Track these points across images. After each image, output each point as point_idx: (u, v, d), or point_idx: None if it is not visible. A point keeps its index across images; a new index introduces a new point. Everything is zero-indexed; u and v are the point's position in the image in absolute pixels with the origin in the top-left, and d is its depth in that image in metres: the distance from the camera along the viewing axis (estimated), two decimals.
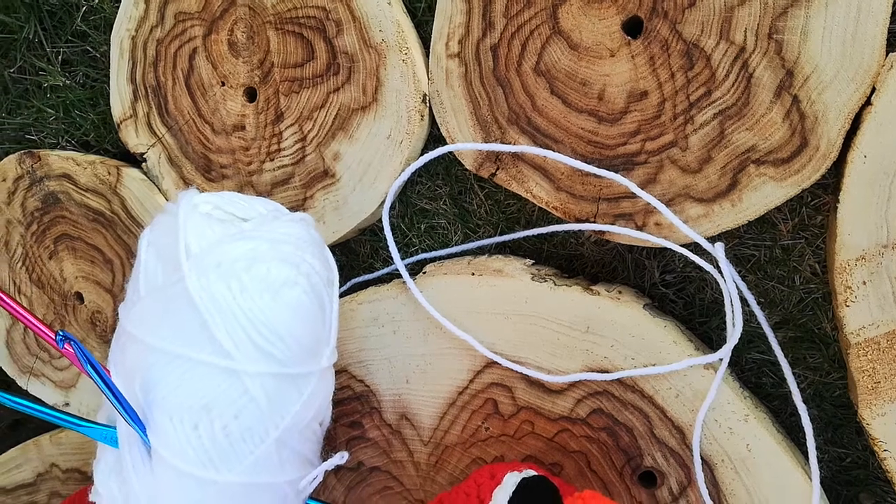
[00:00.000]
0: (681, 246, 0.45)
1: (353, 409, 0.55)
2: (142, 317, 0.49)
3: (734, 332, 0.44)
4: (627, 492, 0.48)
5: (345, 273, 0.58)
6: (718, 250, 0.44)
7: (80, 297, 0.65)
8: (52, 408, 0.52)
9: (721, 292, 0.48)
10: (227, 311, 0.46)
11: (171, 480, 0.48)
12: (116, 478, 0.51)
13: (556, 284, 0.48)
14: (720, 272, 0.45)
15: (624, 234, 0.47)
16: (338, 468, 0.56)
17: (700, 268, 0.49)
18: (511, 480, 0.42)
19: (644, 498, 0.48)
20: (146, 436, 0.48)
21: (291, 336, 0.47)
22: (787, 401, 0.49)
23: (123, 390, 0.48)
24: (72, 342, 0.44)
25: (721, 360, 0.45)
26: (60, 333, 0.44)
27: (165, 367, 0.48)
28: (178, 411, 0.47)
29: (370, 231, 0.58)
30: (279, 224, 0.50)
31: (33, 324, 0.48)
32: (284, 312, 0.47)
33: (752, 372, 0.49)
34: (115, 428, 0.51)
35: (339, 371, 0.55)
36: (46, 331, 0.48)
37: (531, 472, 0.43)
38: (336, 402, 0.55)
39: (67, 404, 0.69)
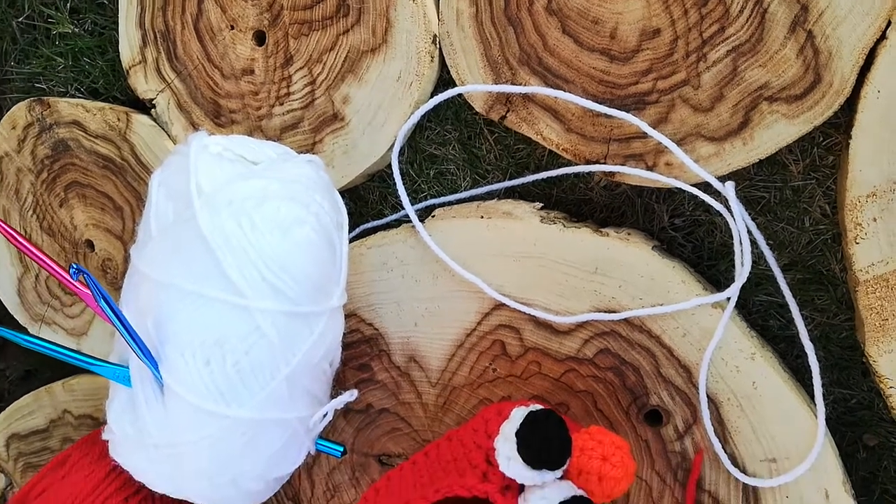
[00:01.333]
0: (692, 186, 0.45)
1: (362, 353, 0.56)
2: (154, 256, 0.50)
3: (743, 272, 0.45)
4: (633, 430, 0.49)
5: (354, 220, 0.59)
6: (729, 189, 0.44)
7: (90, 244, 0.66)
8: (65, 347, 0.53)
9: (730, 235, 0.48)
10: (238, 249, 0.47)
11: (184, 415, 0.48)
12: (129, 416, 0.52)
13: (564, 227, 0.49)
14: (730, 212, 0.45)
15: (634, 174, 0.47)
16: (347, 410, 0.57)
17: (709, 211, 0.50)
18: (518, 414, 0.43)
19: (650, 436, 0.48)
20: (159, 372, 0.48)
21: (302, 274, 0.48)
22: (793, 343, 0.49)
23: (136, 328, 0.48)
24: (85, 275, 0.44)
25: (729, 298, 0.45)
26: (74, 267, 0.44)
27: (177, 304, 0.48)
28: (190, 347, 0.47)
29: (379, 177, 0.58)
30: (289, 165, 0.50)
31: (45, 262, 0.49)
32: (294, 251, 0.48)
33: (759, 314, 0.49)
34: (127, 367, 0.52)
35: (349, 315, 0.55)
36: (58, 268, 0.49)
37: (538, 407, 0.44)
38: (345, 346, 0.56)
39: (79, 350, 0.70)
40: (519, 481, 0.43)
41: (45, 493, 0.56)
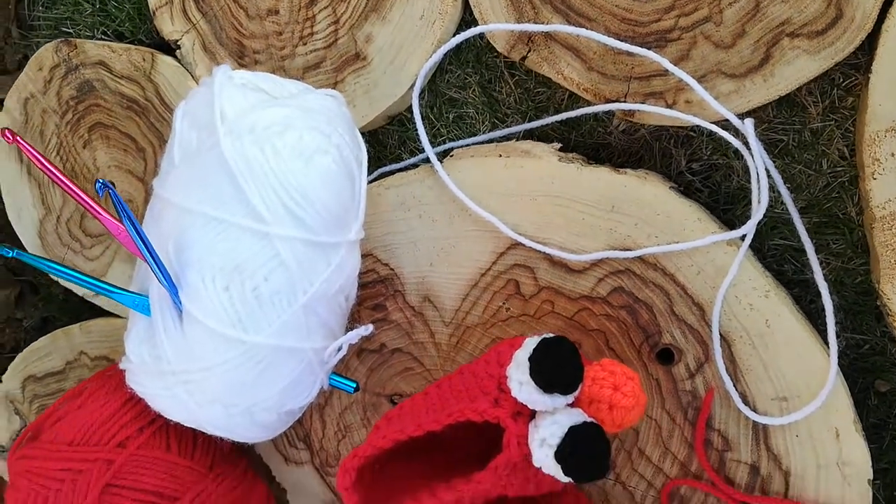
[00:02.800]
0: (711, 124, 0.46)
1: (377, 293, 0.56)
2: (176, 183, 0.50)
3: (759, 209, 0.45)
4: (645, 369, 0.49)
5: (372, 164, 0.59)
6: (748, 126, 0.45)
7: (112, 186, 0.66)
8: (88, 275, 0.54)
9: (747, 179, 0.49)
10: (259, 175, 0.47)
11: (202, 341, 0.49)
12: (147, 344, 0.53)
13: (582, 166, 0.49)
14: (748, 150, 0.45)
15: (653, 112, 0.47)
16: (360, 350, 0.58)
17: (727, 155, 0.50)
18: (531, 342, 0.43)
19: (661, 375, 0.49)
20: (178, 297, 0.49)
21: (321, 203, 0.48)
22: (807, 288, 0.49)
23: (157, 254, 0.49)
24: (110, 190, 0.45)
25: (744, 236, 0.45)
26: (100, 182, 0.45)
27: (199, 230, 0.49)
28: (210, 272, 0.48)
29: (398, 121, 0.58)
30: (312, 96, 0.50)
31: (66, 183, 0.50)
32: (315, 179, 0.48)
33: (774, 258, 0.50)
34: (147, 296, 0.53)
35: (365, 255, 0.56)
36: (82, 194, 0.50)
37: (551, 334, 0.44)
38: (361, 286, 0.56)
39: (97, 294, 0.71)
40: (530, 407, 0.43)
41: (60, 422, 0.57)
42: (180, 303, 0.49)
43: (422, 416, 0.45)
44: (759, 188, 0.45)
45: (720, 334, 0.46)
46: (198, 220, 0.49)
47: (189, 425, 0.54)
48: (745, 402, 0.46)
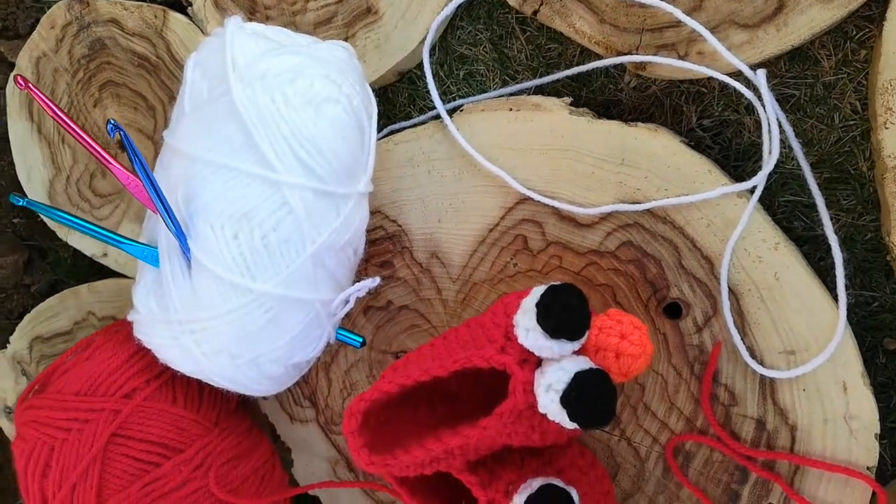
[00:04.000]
0: (724, 75, 0.45)
1: (384, 250, 0.56)
2: (186, 132, 0.51)
3: (770, 160, 0.45)
4: (652, 323, 0.49)
5: (382, 122, 0.59)
6: (760, 76, 0.44)
7: (122, 145, 0.67)
8: (97, 225, 0.54)
9: (758, 135, 0.48)
10: (270, 123, 0.47)
11: (210, 289, 0.49)
12: (155, 295, 0.53)
13: (593, 119, 0.49)
14: (761, 102, 0.45)
15: (665, 63, 0.47)
16: (367, 307, 0.58)
17: (738, 111, 0.50)
18: (539, 289, 0.43)
19: (668, 330, 0.49)
20: (187, 245, 0.49)
21: (332, 152, 0.49)
22: (817, 244, 0.49)
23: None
24: (121, 132, 0.45)
25: (755, 188, 0.45)
26: (111, 122, 0.45)
27: (209, 177, 0.49)
28: (219, 219, 0.48)
29: (408, 80, 0.58)
30: (323, 46, 0.50)
31: (77, 132, 0.50)
32: (326, 128, 0.48)
33: (784, 215, 0.49)
34: (156, 248, 0.53)
35: (373, 212, 0.56)
36: (93, 142, 0.50)
37: (559, 282, 0.44)
38: (369, 243, 0.56)
39: (105, 254, 0.71)
40: (537, 354, 0.43)
41: (67, 373, 0.57)
42: (189, 251, 0.50)
43: (428, 364, 0.45)
44: (770, 139, 0.44)
45: (728, 287, 0.46)
46: (207, 168, 0.49)
47: (196, 377, 0.54)
48: (753, 356, 0.46)
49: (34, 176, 0.72)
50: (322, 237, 0.50)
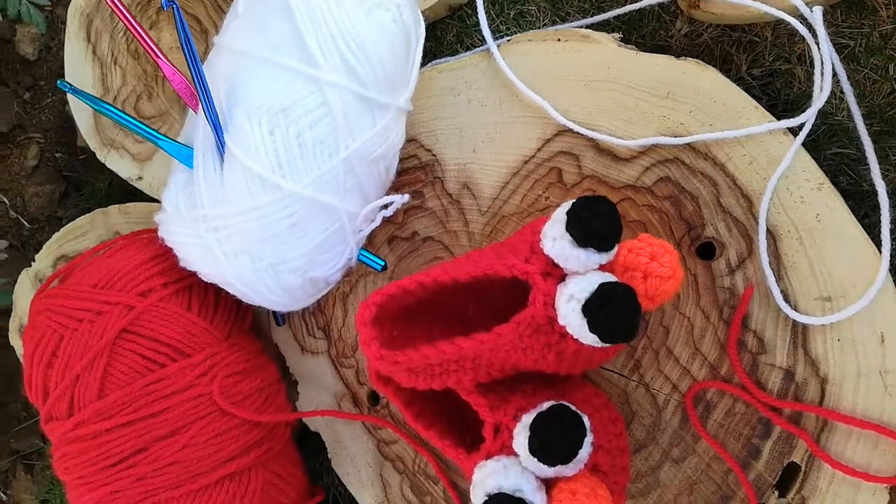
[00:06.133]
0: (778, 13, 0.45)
1: (416, 179, 0.56)
2: (236, 30, 0.51)
3: (821, 96, 0.43)
4: (683, 263, 0.47)
5: (427, 58, 0.59)
6: (816, 14, 0.44)
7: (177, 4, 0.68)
8: (136, 118, 0.55)
9: (809, 85, 0.48)
10: (319, 20, 0.48)
11: (240, 183, 0.49)
12: (184, 193, 0.53)
13: (641, 52, 0.48)
14: (815, 41, 0.44)
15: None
16: (391, 238, 0.57)
17: (789, 60, 0.49)
18: (569, 202, 0.42)
19: (699, 270, 0.47)
20: (223, 138, 0.49)
21: (377, 57, 0.49)
22: (862, 200, 0.47)
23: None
24: (174, 5, 0.46)
25: (803, 125, 0.44)
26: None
27: (252, 71, 0.49)
28: (257, 113, 0.48)
29: (458, 17, 0.59)
30: None
31: (133, 24, 0.51)
32: (374, 32, 0.49)
33: (829, 169, 0.48)
34: (191, 148, 0.53)
35: (409, 140, 0.56)
36: (145, 34, 0.51)
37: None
38: (401, 172, 0.56)
39: (141, 178, 0.72)
40: (562, 265, 0.42)
41: (87, 267, 0.57)
42: (224, 145, 0.50)
43: (450, 269, 0.44)
44: (822, 76, 0.43)
45: (766, 228, 0.45)
46: (251, 62, 0.50)
47: (213, 281, 0.54)
48: (787, 301, 0.44)
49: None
50: (356, 143, 0.49)
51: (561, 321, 0.41)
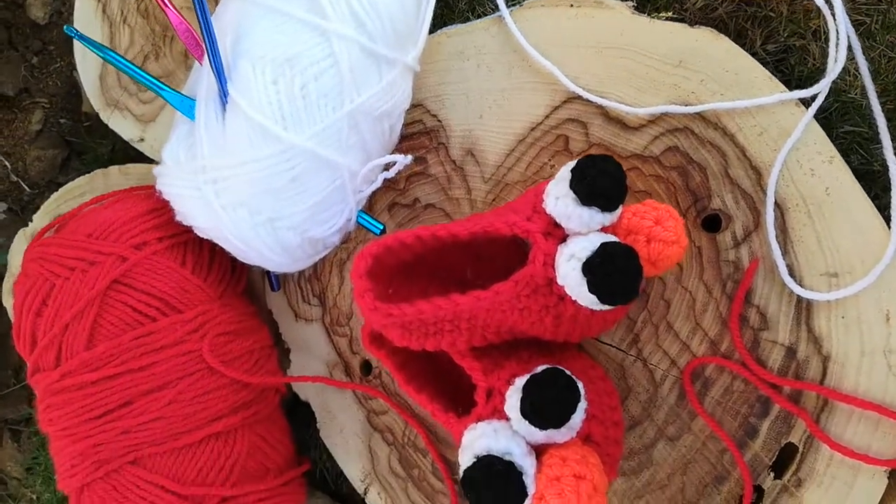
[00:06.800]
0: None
1: (420, 145, 0.55)
2: None
3: (836, 67, 0.43)
4: (688, 234, 0.46)
5: (438, 25, 0.59)
6: None
7: None
8: (139, 67, 0.54)
9: (823, 62, 0.47)
10: None
11: (241, 133, 0.48)
12: (185, 145, 0.53)
13: (654, 18, 0.48)
14: (831, 11, 0.43)
15: None
16: (392, 204, 0.56)
17: (804, 36, 0.48)
18: (572, 162, 0.41)
19: (704, 242, 0.46)
20: (226, 87, 0.49)
21: (386, 11, 0.48)
22: (873, 180, 0.46)
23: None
24: None
25: (815, 96, 0.43)
26: None
27: (259, 20, 0.49)
28: (261, 62, 0.48)
29: None
30: None
31: None
32: None
33: (840, 147, 0.47)
34: (194, 99, 0.52)
35: (415, 105, 0.55)
36: None
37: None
38: (405, 137, 0.55)
39: (143, 139, 0.71)
40: (564, 224, 0.41)
41: (84, 218, 0.57)
42: (227, 95, 0.49)
43: (449, 226, 0.43)
44: (837, 47, 0.43)
45: (775, 201, 0.44)
46: (259, 10, 0.49)
47: (210, 236, 0.53)
48: (792, 276, 0.43)
49: (89, 56, 0.73)
50: (361, 98, 0.49)
51: (560, 281, 0.40)
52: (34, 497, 0.88)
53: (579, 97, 0.49)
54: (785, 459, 0.44)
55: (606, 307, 0.40)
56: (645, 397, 0.48)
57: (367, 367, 0.58)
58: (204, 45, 0.49)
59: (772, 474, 0.44)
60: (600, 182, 0.39)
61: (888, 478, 0.42)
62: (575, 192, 0.40)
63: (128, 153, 0.78)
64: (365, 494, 0.58)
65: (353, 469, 0.58)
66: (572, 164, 0.40)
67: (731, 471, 0.45)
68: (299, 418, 0.64)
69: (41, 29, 0.93)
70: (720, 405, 0.46)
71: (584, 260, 0.39)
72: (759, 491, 0.45)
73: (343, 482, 0.67)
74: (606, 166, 0.40)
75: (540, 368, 0.42)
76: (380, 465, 0.57)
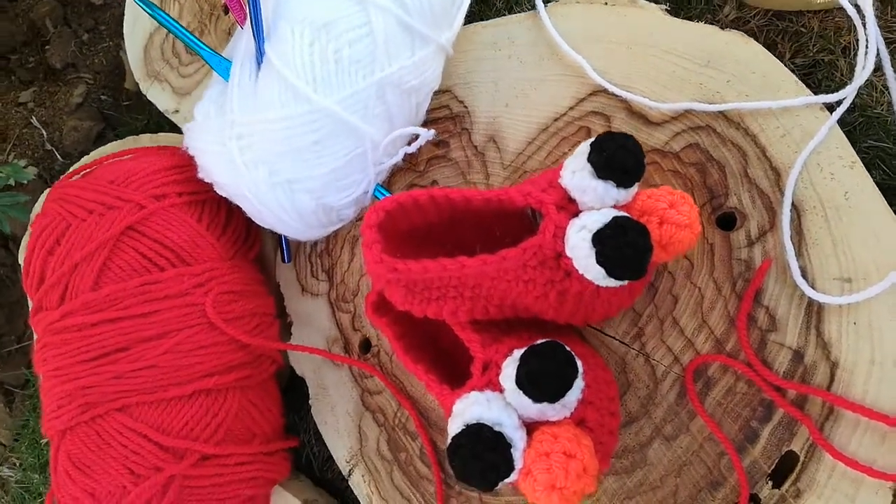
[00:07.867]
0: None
1: (444, 129, 0.56)
2: None
3: (863, 73, 0.43)
4: (701, 227, 0.46)
5: (473, 20, 0.60)
6: None
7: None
8: (182, 26, 0.56)
9: (850, 77, 0.47)
10: None
11: (272, 90, 0.50)
12: (216, 102, 0.54)
13: (687, 20, 0.48)
14: (862, 22, 0.44)
15: None
16: (410, 186, 0.57)
17: (833, 52, 0.48)
18: (591, 138, 0.41)
19: (717, 240, 0.46)
20: (263, 46, 0.50)
21: None
22: (895, 195, 0.46)
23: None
24: None
25: (841, 101, 0.43)
26: None
27: None
28: (300, 24, 0.49)
29: None
30: None
31: None
32: None
33: (863, 161, 0.47)
34: (230, 62, 0.54)
35: (443, 90, 0.56)
36: None
37: None
38: (430, 121, 0.56)
39: (178, 111, 0.73)
40: (578, 198, 0.41)
41: (110, 167, 0.58)
42: (263, 54, 0.50)
43: (464, 190, 0.44)
44: (866, 53, 0.43)
45: (792, 202, 0.44)
46: None
47: (228, 193, 0.53)
48: (804, 279, 0.43)
49: (138, 27, 0.76)
50: (392, 68, 0.50)
51: (568, 252, 0.40)
52: (17, 462, 0.87)
53: (605, 91, 0.50)
54: (785, 468, 0.43)
55: (612, 283, 0.39)
56: (644, 393, 0.47)
57: (366, 345, 0.57)
58: (246, 5, 0.50)
59: (770, 483, 0.43)
60: (618, 156, 0.39)
61: (893, 495, 0.40)
62: (592, 165, 0.40)
63: (161, 129, 0.79)
64: (349, 476, 0.57)
65: (341, 448, 0.57)
66: (591, 139, 0.41)
67: (728, 476, 0.44)
68: (291, 402, 0.64)
69: (96, 9, 0.97)
70: (721, 406, 0.44)
71: (594, 231, 0.38)
72: (755, 500, 0.43)
73: (328, 468, 0.66)
74: (626, 142, 0.40)
75: (540, 341, 0.41)
76: (367, 446, 0.56)
